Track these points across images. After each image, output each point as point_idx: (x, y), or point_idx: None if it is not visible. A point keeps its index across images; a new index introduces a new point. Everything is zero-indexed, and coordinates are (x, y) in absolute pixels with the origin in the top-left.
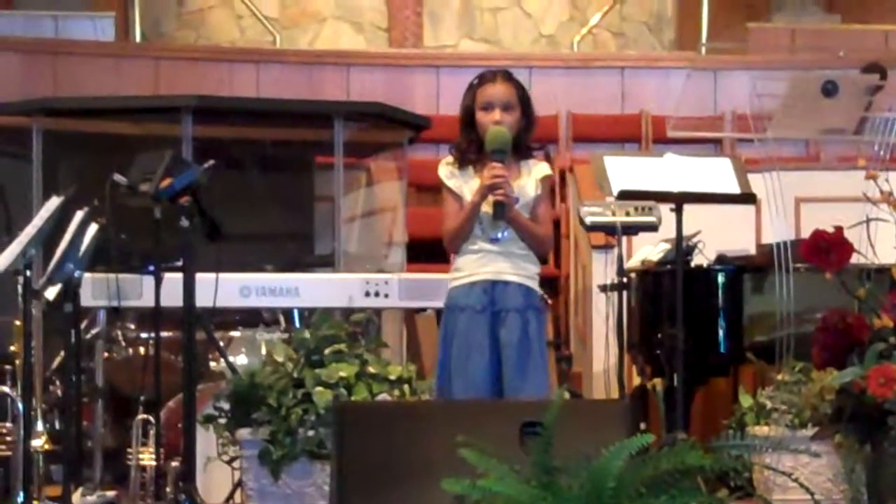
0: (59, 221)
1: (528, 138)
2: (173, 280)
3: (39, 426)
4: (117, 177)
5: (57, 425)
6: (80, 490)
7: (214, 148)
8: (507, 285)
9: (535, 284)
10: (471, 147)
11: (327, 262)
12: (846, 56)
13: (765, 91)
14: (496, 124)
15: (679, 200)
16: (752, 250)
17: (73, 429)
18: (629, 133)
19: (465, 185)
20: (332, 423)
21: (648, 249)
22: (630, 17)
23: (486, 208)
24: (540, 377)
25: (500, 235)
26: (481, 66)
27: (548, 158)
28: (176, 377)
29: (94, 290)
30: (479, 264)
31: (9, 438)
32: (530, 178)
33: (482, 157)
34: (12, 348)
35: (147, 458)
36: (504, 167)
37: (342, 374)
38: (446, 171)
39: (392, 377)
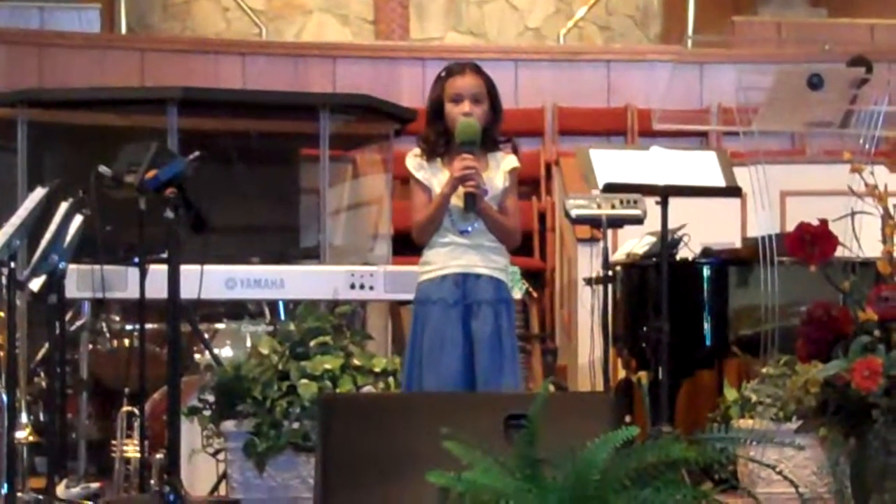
0: (43, 212)
1: (495, 131)
2: (158, 272)
3: (24, 418)
4: (102, 168)
5: (41, 417)
6: (64, 482)
7: (200, 140)
8: (478, 278)
9: (505, 277)
10: (439, 139)
11: (313, 255)
12: (832, 49)
13: (750, 84)
14: (465, 116)
15: (664, 193)
16: (738, 243)
17: (58, 421)
18: (615, 126)
19: (433, 177)
20: (317, 416)
21: (634, 242)
22: (616, 11)
23: (456, 201)
24: (513, 370)
25: (469, 228)
26: (468, 59)
27: (515, 150)
28: (161, 369)
29: (78, 281)
30: (450, 257)
31: None
32: (498, 171)
33: (451, 150)
34: None
35: (131, 450)
36: (474, 159)
37: (327, 366)
38: (414, 162)
39: (377, 369)
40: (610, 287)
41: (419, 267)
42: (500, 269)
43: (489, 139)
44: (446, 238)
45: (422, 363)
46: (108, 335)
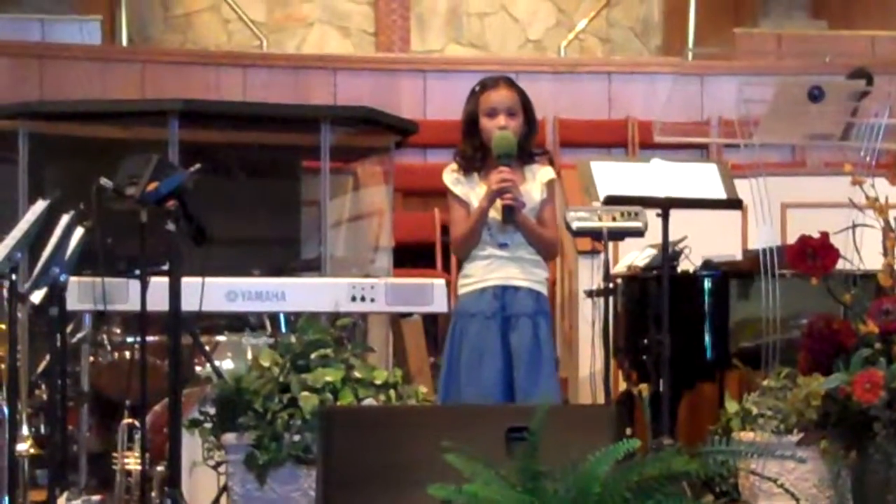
0: (45, 225)
1: (531, 143)
2: (159, 284)
3: (24, 430)
4: (103, 180)
5: (42, 429)
6: (65, 494)
7: (201, 152)
8: (517, 291)
9: (544, 289)
10: (476, 153)
11: (313, 267)
12: (832, 61)
13: (751, 96)
14: (501, 129)
15: (665, 206)
16: (739, 256)
17: (59, 433)
18: (616, 138)
19: (471, 191)
20: (318, 428)
21: (635, 255)
22: (617, 23)
23: (494, 214)
24: (551, 382)
25: (509, 241)
26: (468, 71)
27: (551, 162)
28: (162, 381)
29: (79, 293)
30: (489, 270)
31: None
32: (535, 183)
33: (487, 164)
34: None
35: (132, 462)
36: (511, 171)
37: (328, 378)
38: (452, 178)
39: (378, 382)
40: (611, 299)
41: (459, 280)
42: (540, 281)
43: (525, 151)
44: (485, 251)
45: (460, 375)
46: (109, 347)
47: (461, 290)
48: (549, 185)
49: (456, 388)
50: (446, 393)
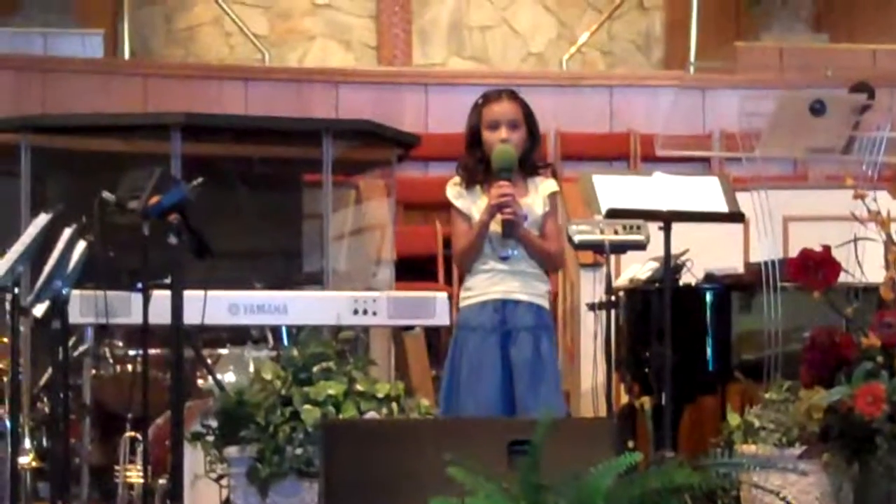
0: (47, 238)
1: (534, 156)
2: (161, 297)
3: (27, 443)
4: (105, 194)
5: (44, 442)
6: None
7: (203, 165)
8: (517, 304)
9: (545, 303)
10: (478, 166)
11: (316, 280)
12: (834, 75)
13: (753, 110)
14: (503, 143)
15: (667, 219)
16: (740, 269)
17: (61, 446)
18: (618, 151)
19: (473, 204)
20: (320, 441)
21: (637, 268)
22: (618, 36)
23: (496, 227)
24: (553, 396)
25: (510, 253)
26: (470, 85)
27: (554, 174)
28: (164, 394)
29: (82, 307)
30: (490, 283)
31: None
32: (538, 196)
33: (489, 177)
34: (0, 365)
35: (134, 475)
36: (511, 185)
37: (330, 391)
38: (454, 191)
39: (380, 395)
40: (613, 312)
41: (461, 293)
42: (541, 295)
43: (528, 164)
44: (487, 265)
45: (460, 388)
46: (111, 361)
47: (462, 304)
48: (552, 197)
49: (455, 402)
50: (447, 406)
